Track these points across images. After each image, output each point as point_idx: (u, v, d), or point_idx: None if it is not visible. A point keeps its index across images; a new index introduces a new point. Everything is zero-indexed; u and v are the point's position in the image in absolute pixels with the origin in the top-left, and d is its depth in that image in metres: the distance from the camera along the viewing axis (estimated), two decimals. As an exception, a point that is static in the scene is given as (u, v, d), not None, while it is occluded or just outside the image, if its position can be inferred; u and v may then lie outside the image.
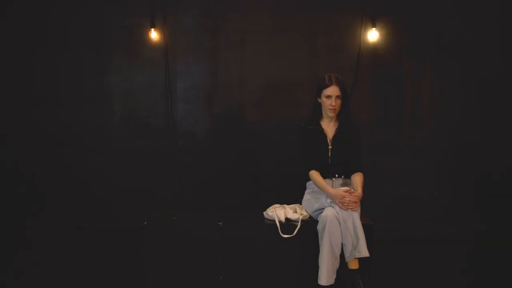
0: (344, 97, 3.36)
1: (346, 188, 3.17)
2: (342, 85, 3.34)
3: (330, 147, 3.37)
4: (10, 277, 3.69)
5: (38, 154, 4.82)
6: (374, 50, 4.72)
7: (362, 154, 3.41)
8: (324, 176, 3.31)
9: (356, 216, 3.10)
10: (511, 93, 4.68)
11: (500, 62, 4.68)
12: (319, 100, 3.40)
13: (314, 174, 3.29)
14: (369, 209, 3.56)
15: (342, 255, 3.11)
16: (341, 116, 3.41)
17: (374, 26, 4.65)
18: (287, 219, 3.34)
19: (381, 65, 4.74)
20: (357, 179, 3.30)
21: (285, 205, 3.47)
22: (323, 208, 3.19)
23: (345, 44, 4.74)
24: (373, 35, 4.67)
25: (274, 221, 3.32)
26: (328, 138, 3.38)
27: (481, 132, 4.70)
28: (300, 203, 3.51)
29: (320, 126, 3.40)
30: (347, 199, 3.10)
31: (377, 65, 4.74)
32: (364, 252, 3.06)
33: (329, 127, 3.41)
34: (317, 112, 3.43)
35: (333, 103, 3.31)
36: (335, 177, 3.36)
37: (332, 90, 3.31)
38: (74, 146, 4.82)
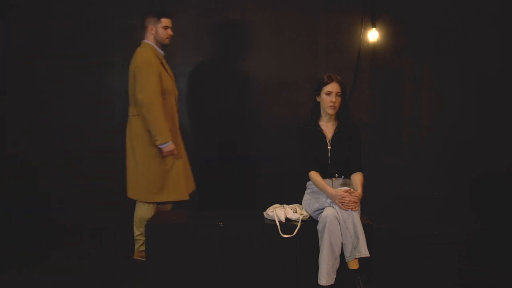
0: (343, 96, 3.37)
1: (346, 188, 3.17)
2: (342, 84, 3.36)
3: (329, 147, 3.37)
4: (12, 276, 3.69)
5: (38, 154, 4.82)
6: (374, 50, 4.72)
7: (361, 154, 3.40)
8: (324, 176, 3.31)
9: (356, 216, 3.10)
10: (510, 93, 4.68)
11: (499, 63, 4.68)
12: (318, 99, 3.39)
13: (314, 174, 3.29)
14: (369, 209, 3.57)
15: (342, 255, 3.12)
16: (340, 116, 3.41)
17: (374, 26, 4.66)
18: (287, 219, 3.34)
19: (381, 65, 4.75)
20: (357, 178, 3.30)
21: (285, 205, 3.47)
22: (323, 208, 3.19)
23: (345, 44, 4.75)
24: (373, 35, 4.68)
25: (274, 221, 3.32)
26: (327, 138, 3.38)
27: (481, 132, 4.71)
28: (300, 203, 3.51)
29: (319, 126, 3.40)
30: (347, 199, 3.11)
31: (377, 65, 4.75)
32: (364, 252, 3.06)
33: (327, 127, 3.41)
34: (315, 112, 3.43)
35: (333, 99, 3.31)
36: (335, 177, 3.35)
37: (333, 87, 3.32)
38: (75, 146, 4.82)
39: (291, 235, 3.24)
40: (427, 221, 4.76)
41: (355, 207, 3.11)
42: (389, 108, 4.79)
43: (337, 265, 3.11)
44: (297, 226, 3.26)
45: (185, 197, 3.89)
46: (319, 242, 3.12)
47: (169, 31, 3.84)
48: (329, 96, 3.33)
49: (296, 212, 3.37)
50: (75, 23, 4.75)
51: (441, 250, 4.20)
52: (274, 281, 3.28)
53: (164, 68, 3.80)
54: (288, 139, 4.70)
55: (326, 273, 3.08)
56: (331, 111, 3.34)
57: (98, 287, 3.53)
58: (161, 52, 3.86)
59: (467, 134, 4.72)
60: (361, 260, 3.10)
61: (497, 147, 4.69)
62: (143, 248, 3.76)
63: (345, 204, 3.10)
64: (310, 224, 3.27)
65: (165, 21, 3.82)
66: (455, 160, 4.74)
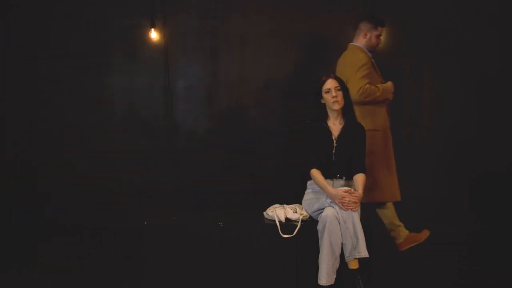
0: (344, 92, 3.37)
1: (346, 188, 3.18)
2: (339, 79, 3.40)
3: (335, 144, 3.36)
4: (12, 276, 3.69)
5: (38, 154, 4.82)
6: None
7: (365, 155, 3.40)
8: (326, 176, 3.30)
9: (356, 216, 3.10)
10: (510, 93, 4.68)
11: (499, 63, 4.68)
12: (323, 101, 3.41)
13: (315, 173, 3.29)
14: (369, 209, 3.57)
15: (342, 255, 3.12)
16: (346, 115, 3.42)
17: (374, 26, 4.65)
18: (287, 219, 3.34)
19: (381, 65, 4.74)
20: (359, 179, 3.30)
21: (285, 205, 3.47)
22: (323, 208, 3.19)
23: (345, 44, 4.73)
24: (373, 35, 4.67)
25: (274, 221, 3.32)
26: (333, 136, 3.38)
27: (481, 132, 4.70)
28: (300, 203, 3.51)
29: (326, 124, 3.41)
30: (347, 199, 3.11)
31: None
32: (364, 253, 3.06)
33: (335, 125, 3.41)
34: (322, 113, 3.43)
35: (334, 94, 3.32)
36: (336, 177, 3.35)
37: (330, 83, 3.34)
38: (75, 146, 4.82)
39: (291, 235, 3.24)
40: (427, 221, 4.75)
41: (355, 207, 3.11)
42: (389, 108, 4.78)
43: (337, 265, 3.11)
44: (297, 226, 3.26)
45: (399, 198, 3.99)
46: (319, 242, 3.12)
47: (381, 39, 3.95)
48: (329, 93, 3.34)
49: (296, 212, 3.37)
50: (75, 23, 4.75)
51: (441, 250, 4.19)
52: (274, 281, 3.28)
53: (376, 70, 3.87)
54: (288, 139, 4.70)
55: (326, 273, 3.08)
56: (336, 106, 3.34)
57: (98, 287, 3.53)
58: (370, 54, 3.94)
59: (467, 134, 4.71)
60: (361, 260, 3.11)
61: (497, 147, 4.68)
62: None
63: (345, 204, 3.10)
64: (310, 224, 3.27)
65: (381, 30, 3.90)
66: (455, 160, 4.73)
